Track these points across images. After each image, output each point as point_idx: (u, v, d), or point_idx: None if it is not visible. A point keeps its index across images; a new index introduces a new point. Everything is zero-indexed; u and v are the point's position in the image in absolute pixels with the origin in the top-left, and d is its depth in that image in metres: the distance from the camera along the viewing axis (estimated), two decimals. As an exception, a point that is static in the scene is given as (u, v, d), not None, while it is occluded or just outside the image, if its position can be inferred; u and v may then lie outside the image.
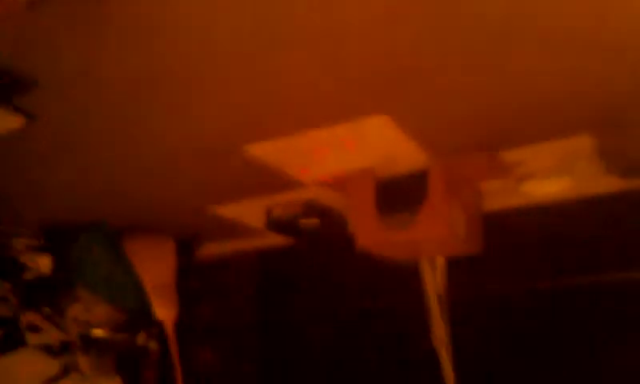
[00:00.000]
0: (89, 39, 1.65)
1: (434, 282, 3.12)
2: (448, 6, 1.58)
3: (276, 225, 3.19)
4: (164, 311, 3.39)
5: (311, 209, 3.12)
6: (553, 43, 1.77)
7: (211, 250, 3.83)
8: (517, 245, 3.13)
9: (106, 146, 2.35)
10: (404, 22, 1.64)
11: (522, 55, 1.83)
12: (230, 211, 3.25)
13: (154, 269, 3.37)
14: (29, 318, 3.22)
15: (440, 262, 3.14)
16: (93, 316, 3.29)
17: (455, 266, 3.14)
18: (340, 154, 2.54)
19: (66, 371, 3.53)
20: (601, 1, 1.58)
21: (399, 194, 2.72)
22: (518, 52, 1.81)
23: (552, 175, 2.80)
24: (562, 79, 1.99)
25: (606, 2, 1.58)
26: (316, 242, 3.55)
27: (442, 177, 2.61)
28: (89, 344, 3.49)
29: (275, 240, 3.54)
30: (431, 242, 2.74)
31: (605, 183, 2.95)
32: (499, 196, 3.12)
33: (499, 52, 1.80)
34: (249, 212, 3.27)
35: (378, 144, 2.46)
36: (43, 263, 3.25)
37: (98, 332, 3.35)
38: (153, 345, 3.61)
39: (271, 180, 2.80)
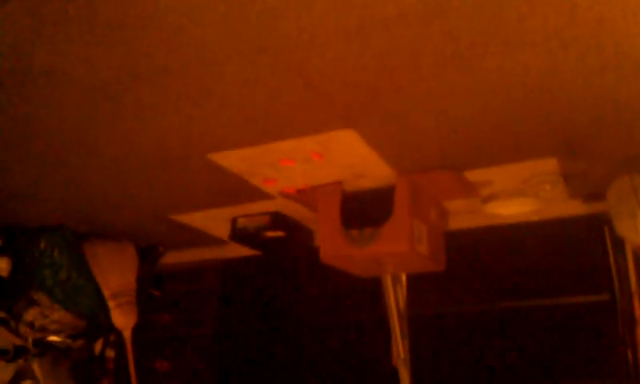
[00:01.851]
0: (55, 38, 1.61)
1: (395, 298, 3.12)
2: (418, 23, 1.58)
3: (241, 236, 3.16)
4: (123, 319, 3.33)
5: (277, 221, 3.10)
6: (520, 67, 1.78)
7: (174, 258, 3.78)
8: (480, 264, 3.15)
9: (68, 148, 2.31)
10: (374, 36, 1.63)
11: (491, 75, 1.84)
12: (194, 220, 3.22)
13: (115, 275, 3.32)
14: (-18, 321, 3.16)
15: (403, 278, 3.14)
16: (49, 321, 3.22)
17: (417, 283, 3.14)
18: (306, 166, 2.52)
19: (19, 377, 3.46)
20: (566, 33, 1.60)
21: (365, 209, 2.72)
22: (486, 72, 1.82)
23: (517, 197, 2.82)
24: (527, 103, 2.00)
25: (570, 35, 1.60)
26: (281, 255, 3.53)
27: (408, 193, 2.61)
28: (44, 350, 3.42)
29: (239, 251, 3.51)
30: (394, 258, 2.74)
31: (568, 206, 2.99)
32: (464, 215, 3.14)
33: (467, 71, 1.81)
34: (213, 222, 3.24)
35: (344, 158, 2.46)
36: (1, 266, 3.18)
37: (54, 338, 3.29)
38: (110, 353, 3.55)
39: (236, 190, 2.78)
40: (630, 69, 1.80)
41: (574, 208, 2.98)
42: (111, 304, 3.32)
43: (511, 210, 2.89)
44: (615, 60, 1.75)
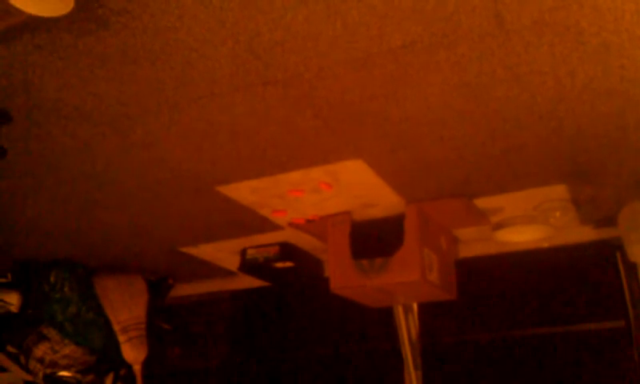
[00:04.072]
0: (65, 73, 1.63)
1: (407, 327, 3.09)
2: (425, 53, 1.59)
3: (250, 267, 3.16)
4: (133, 353, 3.31)
5: (286, 252, 3.09)
6: (527, 95, 1.79)
7: (184, 290, 3.77)
8: (491, 292, 3.13)
9: (78, 182, 2.32)
10: (380, 66, 1.64)
11: (498, 103, 1.84)
12: (203, 252, 3.22)
13: (124, 309, 3.31)
14: (-7, 357, 3.15)
15: (414, 307, 3.12)
16: (59, 356, 3.21)
17: (429, 312, 3.12)
18: (315, 197, 2.52)
19: (30, 413, 3.44)
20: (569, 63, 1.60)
21: (375, 239, 2.71)
22: (493, 100, 1.82)
23: (527, 224, 2.80)
24: (535, 130, 2.00)
25: (574, 62, 1.61)
26: (290, 286, 3.52)
27: (417, 222, 2.60)
28: (54, 385, 3.40)
29: (249, 282, 3.50)
30: (405, 288, 2.72)
31: (579, 233, 2.97)
32: (474, 243, 3.12)
33: (475, 99, 1.82)
34: (222, 254, 3.24)
35: (353, 188, 2.46)
36: (11, 300, 3.18)
37: (65, 373, 3.27)
38: (120, 387, 3.52)
39: (246, 222, 2.78)
40: (637, 94, 1.80)
41: (586, 234, 2.96)
42: (121, 338, 3.30)
43: (522, 237, 2.87)
44: (621, 86, 1.75)
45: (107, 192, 2.42)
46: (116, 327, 3.28)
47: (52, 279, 3.17)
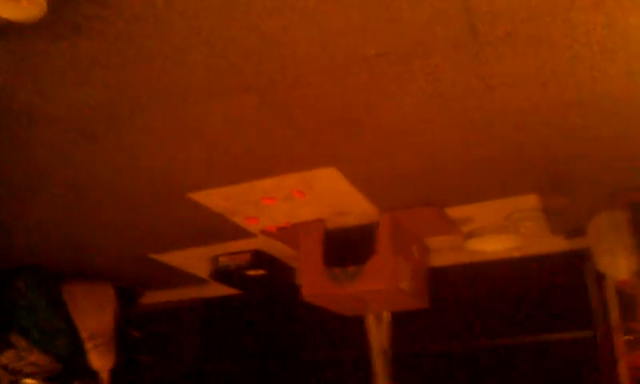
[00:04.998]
0: (36, 78, 1.61)
1: (379, 335, 3.09)
2: (399, 62, 1.59)
3: (221, 275, 3.13)
4: (100, 361, 3.27)
5: (258, 260, 3.08)
6: (500, 105, 1.80)
7: (154, 298, 3.73)
8: (462, 301, 3.15)
9: (48, 188, 2.29)
10: (355, 75, 1.65)
11: (472, 113, 1.85)
12: (174, 259, 3.19)
13: (92, 316, 3.27)
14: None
15: (386, 315, 3.12)
16: (24, 364, 3.15)
17: (401, 321, 3.12)
18: (288, 204, 2.51)
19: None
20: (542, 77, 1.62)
21: (347, 247, 2.70)
22: (467, 110, 1.83)
23: (498, 233, 2.82)
24: (507, 139, 2.02)
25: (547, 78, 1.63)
26: (262, 294, 3.50)
27: (390, 231, 2.61)
28: (20, 394, 3.34)
29: (220, 289, 3.47)
30: (377, 296, 2.72)
31: (549, 243, 3.00)
32: (446, 252, 3.14)
33: (448, 109, 1.83)
34: (194, 261, 3.21)
35: (327, 196, 2.45)
36: (-24, 307, 3.12)
37: (29, 381, 3.21)
38: (87, 396, 3.47)
39: (217, 229, 2.76)
40: (607, 106, 1.83)
41: (556, 244, 2.99)
42: (88, 345, 3.26)
43: (493, 246, 2.89)
44: (592, 98, 1.77)
45: (77, 198, 2.38)
46: (84, 334, 3.24)
47: (19, 285, 3.12)
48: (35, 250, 2.96)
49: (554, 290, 3.01)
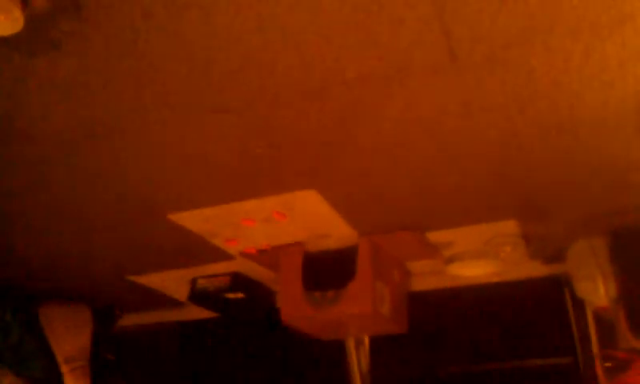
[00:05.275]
0: (12, 93, 1.59)
1: (358, 360, 3.07)
2: (379, 85, 1.60)
3: (200, 297, 3.10)
4: (75, 384, 3.21)
5: (237, 282, 3.05)
6: (479, 129, 1.81)
7: (131, 320, 3.68)
8: (441, 326, 3.14)
9: (24, 207, 2.26)
10: (335, 97, 1.65)
11: (451, 137, 1.86)
12: (152, 281, 3.15)
13: (68, 339, 3.21)
14: None
15: (365, 340, 3.11)
16: (-3, 387, 3.09)
17: (380, 346, 3.11)
18: (268, 226, 2.50)
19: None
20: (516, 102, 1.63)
21: (327, 271, 2.69)
22: (446, 134, 1.84)
23: (478, 258, 2.83)
24: (485, 164, 2.03)
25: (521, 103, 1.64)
26: (241, 317, 3.47)
27: (370, 255, 2.60)
28: (-9, 418, 3.27)
29: (198, 313, 3.44)
30: (357, 320, 2.71)
31: (529, 268, 3.01)
32: (427, 276, 3.13)
33: (428, 134, 1.83)
34: (172, 283, 3.18)
35: (306, 218, 2.44)
36: (-51, 329, 3.05)
37: (2, 405, 3.15)
38: (61, 420, 3.40)
39: (196, 251, 2.74)
40: (584, 133, 1.84)
41: (535, 269, 3.00)
42: (64, 369, 3.20)
43: (473, 271, 2.89)
44: (570, 122, 1.78)
45: (55, 217, 2.35)
46: (59, 357, 3.18)
47: (-8, 307, 3.06)
48: (9, 270, 2.91)
49: (533, 316, 3.01)
